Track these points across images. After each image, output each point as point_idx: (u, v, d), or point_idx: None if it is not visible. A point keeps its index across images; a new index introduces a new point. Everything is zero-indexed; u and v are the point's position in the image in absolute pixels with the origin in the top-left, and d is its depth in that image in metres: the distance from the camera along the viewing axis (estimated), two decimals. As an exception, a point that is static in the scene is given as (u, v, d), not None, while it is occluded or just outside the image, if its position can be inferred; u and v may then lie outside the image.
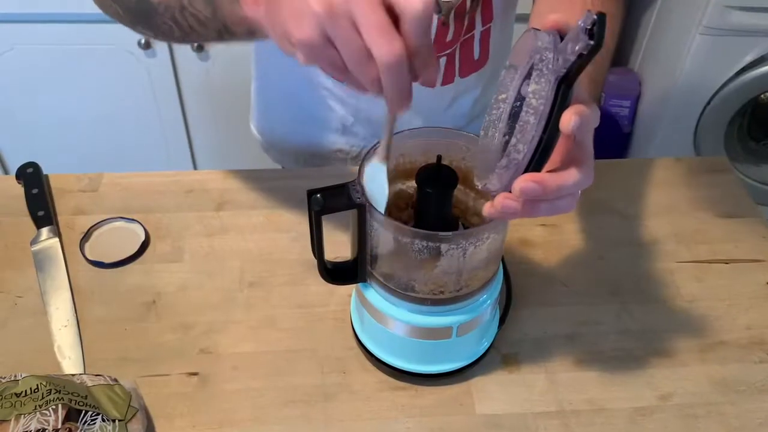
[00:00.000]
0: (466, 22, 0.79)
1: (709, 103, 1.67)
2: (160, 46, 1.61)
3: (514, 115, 0.53)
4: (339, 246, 0.67)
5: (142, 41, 1.58)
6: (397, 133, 0.61)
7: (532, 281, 0.75)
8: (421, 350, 0.64)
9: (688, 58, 1.61)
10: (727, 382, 0.67)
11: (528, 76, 0.51)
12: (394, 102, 0.46)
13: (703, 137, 1.72)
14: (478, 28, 0.82)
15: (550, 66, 0.45)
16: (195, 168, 1.86)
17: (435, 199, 0.58)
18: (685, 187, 0.87)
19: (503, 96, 0.53)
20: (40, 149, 1.74)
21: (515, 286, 0.74)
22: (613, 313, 0.72)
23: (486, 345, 0.67)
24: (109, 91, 1.69)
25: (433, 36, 0.77)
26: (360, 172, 0.57)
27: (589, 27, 0.42)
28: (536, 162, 0.47)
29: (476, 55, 0.85)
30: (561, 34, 0.47)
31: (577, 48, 0.42)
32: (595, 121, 0.46)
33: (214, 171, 0.87)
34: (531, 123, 0.45)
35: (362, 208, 0.56)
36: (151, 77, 1.66)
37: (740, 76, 1.62)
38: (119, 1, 0.64)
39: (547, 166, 0.48)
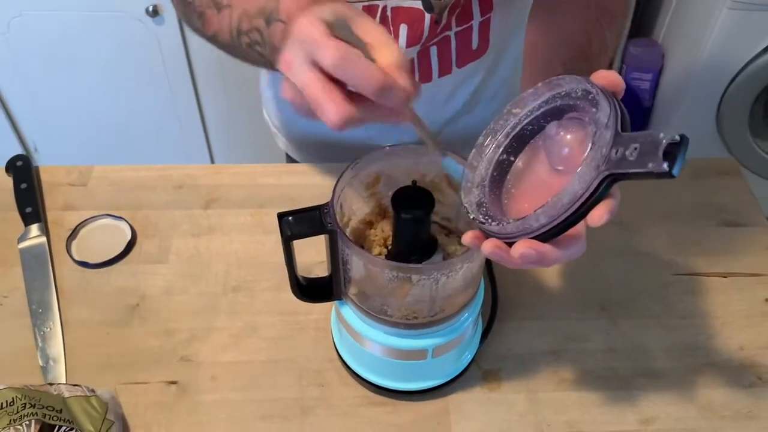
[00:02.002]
0: (458, 11, 0.76)
1: (734, 79, 1.60)
2: (169, 14, 1.58)
3: (517, 137, 0.51)
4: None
5: (150, 9, 1.55)
6: (379, 149, 0.59)
7: (520, 292, 0.73)
8: (397, 369, 0.63)
9: (714, 32, 1.54)
10: (713, 406, 0.65)
11: (552, 116, 0.49)
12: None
13: (726, 114, 1.65)
14: (477, 19, 0.78)
15: (604, 151, 0.41)
16: (206, 136, 1.85)
17: (410, 224, 0.56)
18: (689, 192, 0.84)
19: (516, 110, 0.51)
20: (51, 118, 1.76)
21: (502, 296, 0.72)
22: (602, 329, 0.71)
23: (467, 360, 0.66)
24: (119, 59, 1.67)
25: (425, 35, 0.74)
26: (333, 194, 0.56)
27: (666, 146, 0.38)
28: (548, 237, 0.45)
29: (474, 44, 0.81)
30: (616, 96, 0.44)
31: (650, 166, 0.39)
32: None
33: (205, 165, 0.86)
34: (563, 203, 0.43)
35: (333, 234, 0.54)
36: (161, 45, 1.64)
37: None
38: (199, 32, 0.65)
39: None
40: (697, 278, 0.75)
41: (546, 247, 0.45)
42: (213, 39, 0.63)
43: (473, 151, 0.53)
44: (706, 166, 0.86)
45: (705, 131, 1.70)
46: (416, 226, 0.56)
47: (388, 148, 0.59)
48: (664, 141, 0.38)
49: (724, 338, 0.70)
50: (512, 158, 0.52)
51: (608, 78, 0.46)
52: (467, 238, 0.49)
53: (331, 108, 0.43)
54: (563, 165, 0.49)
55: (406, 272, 0.53)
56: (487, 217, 0.49)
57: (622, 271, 0.75)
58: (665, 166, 0.38)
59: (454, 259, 0.54)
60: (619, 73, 1.85)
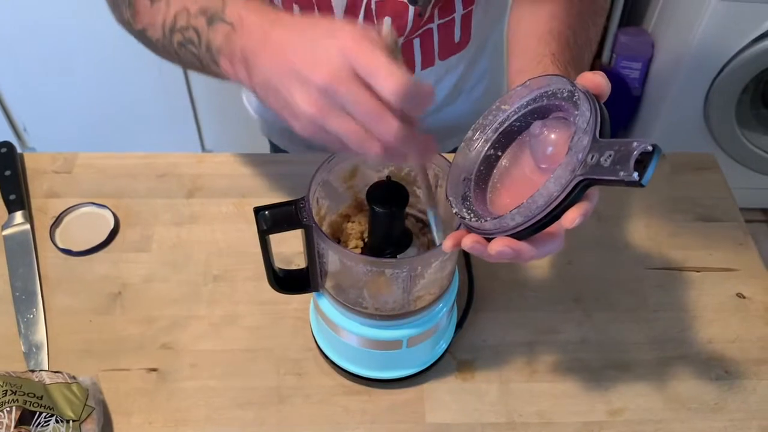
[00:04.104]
0: (441, 3, 0.76)
1: (722, 69, 1.61)
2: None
3: (505, 132, 0.52)
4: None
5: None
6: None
7: (496, 284, 0.75)
8: (372, 358, 0.64)
9: (703, 23, 1.54)
10: (681, 398, 0.67)
11: (539, 114, 0.50)
12: (417, 158, 0.47)
13: (714, 104, 1.67)
14: (459, 12, 0.79)
15: (580, 156, 0.42)
16: (197, 122, 1.84)
17: (385, 218, 0.57)
18: (666, 186, 0.85)
19: (506, 107, 0.52)
20: (41, 98, 1.75)
21: (478, 288, 0.74)
22: (575, 321, 0.72)
23: (441, 350, 0.68)
24: (109, 41, 1.65)
25: (409, 27, 0.75)
26: (309, 189, 0.56)
27: (638, 157, 0.39)
28: (524, 235, 0.46)
29: (457, 37, 0.82)
30: (598, 100, 0.45)
31: (621, 174, 0.39)
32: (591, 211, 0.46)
33: (188, 154, 0.86)
34: (538, 205, 0.44)
35: (309, 229, 0.55)
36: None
37: (757, 43, 1.55)
38: (127, 25, 0.64)
39: None
40: (670, 272, 0.76)
41: (522, 245, 0.46)
42: (141, 34, 0.61)
43: (461, 144, 0.54)
44: (684, 160, 0.88)
45: (692, 121, 1.71)
46: (391, 220, 0.57)
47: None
48: (635, 151, 0.39)
49: (694, 332, 0.72)
50: (499, 153, 0.53)
51: (593, 80, 0.46)
52: (448, 245, 0.50)
53: (391, 122, 0.42)
54: (547, 163, 0.50)
55: (380, 266, 0.55)
56: (469, 212, 0.50)
57: (597, 264, 0.77)
58: (635, 175, 0.39)
59: (428, 253, 0.55)
60: (609, 62, 1.86)
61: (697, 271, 0.76)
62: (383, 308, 0.59)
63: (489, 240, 0.48)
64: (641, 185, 0.39)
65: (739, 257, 0.78)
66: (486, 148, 0.53)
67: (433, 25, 0.78)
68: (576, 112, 0.45)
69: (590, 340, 0.71)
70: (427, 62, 0.82)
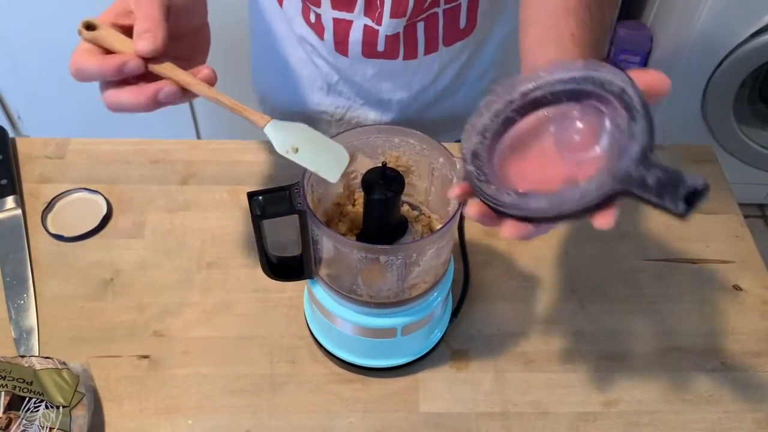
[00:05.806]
0: None
1: (721, 63, 1.60)
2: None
3: (533, 100, 0.49)
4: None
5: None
6: (350, 129, 0.59)
7: (492, 274, 0.74)
8: (367, 346, 0.64)
9: (701, 17, 1.53)
10: (676, 389, 0.66)
11: (574, 96, 0.48)
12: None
13: (712, 98, 1.66)
14: None
15: (632, 169, 0.41)
16: (192, 109, 1.84)
17: (380, 205, 0.56)
18: (664, 177, 0.84)
19: (543, 74, 0.49)
20: (34, 86, 1.74)
21: (474, 277, 0.73)
22: (571, 312, 0.72)
23: (436, 339, 0.67)
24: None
25: (411, 7, 0.73)
26: (304, 174, 0.56)
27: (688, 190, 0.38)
28: (539, 221, 0.45)
29: (462, 24, 0.81)
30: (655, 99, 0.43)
31: (667, 202, 0.39)
32: None
33: (182, 141, 0.85)
34: (571, 201, 0.43)
35: (303, 214, 0.55)
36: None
37: (756, 37, 1.54)
38: None
39: None
40: (667, 264, 0.76)
41: (530, 229, 0.45)
42: None
43: (486, 97, 0.51)
44: (682, 152, 0.87)
45: (690, 116, 1.70)
46: (386, 207, 0.57)
47: (360, 128, 0.59)
48: (685, 185, 0.38)
49: (691, 324, 0.71)
50: (518, 118, 0.51)
51: (650, 81, 0.44)
52: (454, 192, 0.48)
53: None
54: (569, 151, 0.48)
55: (375, 253, 0.54)
56: (481, 174, 0.48)
57: (594, 255, 0.76)
58: (681, 208, 0.38)
59: (423, 240, 0.55)
60: (608, 55, 1.85)
61: (694, 263, 0.76)
62: (378, 296, 0.58)
63: (495, 210, 0.46)
64: (683, 218, 0.38)
65: (736, 249, 0.77)
66: (509, 109, 0.51)
67: (439, 10, 0.77)
68: (621, 111, 0.43)
69: (586, 330, 0.70)
70: (431, 47, 0.81)
